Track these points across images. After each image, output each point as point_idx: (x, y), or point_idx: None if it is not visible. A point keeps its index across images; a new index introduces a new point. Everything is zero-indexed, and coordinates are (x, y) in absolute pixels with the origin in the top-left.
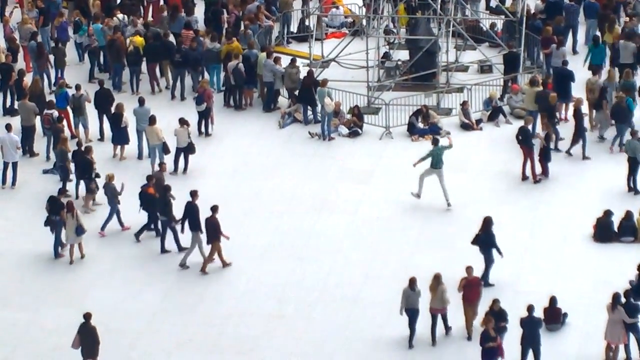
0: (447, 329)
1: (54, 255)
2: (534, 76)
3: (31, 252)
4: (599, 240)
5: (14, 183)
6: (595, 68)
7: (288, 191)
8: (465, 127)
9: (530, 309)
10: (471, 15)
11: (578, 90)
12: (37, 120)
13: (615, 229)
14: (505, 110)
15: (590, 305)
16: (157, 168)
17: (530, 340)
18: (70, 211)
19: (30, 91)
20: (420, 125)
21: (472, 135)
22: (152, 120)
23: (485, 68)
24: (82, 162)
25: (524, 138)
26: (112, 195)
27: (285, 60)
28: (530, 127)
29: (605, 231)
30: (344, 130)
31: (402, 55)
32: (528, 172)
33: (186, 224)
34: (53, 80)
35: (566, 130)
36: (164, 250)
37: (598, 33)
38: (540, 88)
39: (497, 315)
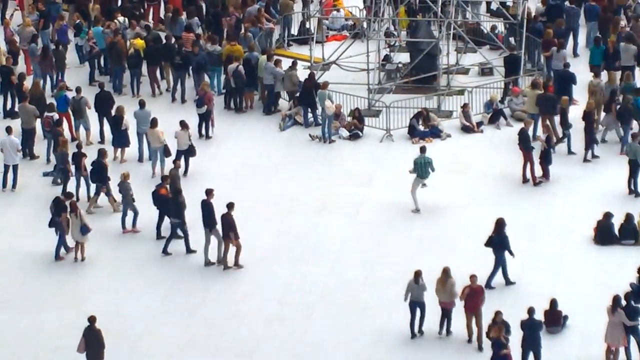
0: (449, 325)
1: (55, 256)
2: (536, 79)
3: (32, 254)
4: (600, 243)
5: (14, 186)
6: (596, 69)
7: (289, 193)
8: (466, 129)
9: (530, 311)
10: (472, 18)
11: (579, 92)
12: (38, 123)
13: (616, 231)
14: (506, 113)
15: (590, 307)
16: (156, 170)
17: (530, 343)
18: (74, 211)
19: (30, 94)
20: (421, 127)
21: (472, 138)
22: (153, 122)
23: (486, 70)
24: (97, 166)
25: (522, 140)
26: (127, 193)
27: (286, 63)
28: (530, 129)
29: (605, 234)
30: (344, 132)
31: (403, 57)
32: (529, 174)
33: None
34: (54, 83)
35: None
36: (165, 252)
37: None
38: (542, 91)
39: (497, 326)
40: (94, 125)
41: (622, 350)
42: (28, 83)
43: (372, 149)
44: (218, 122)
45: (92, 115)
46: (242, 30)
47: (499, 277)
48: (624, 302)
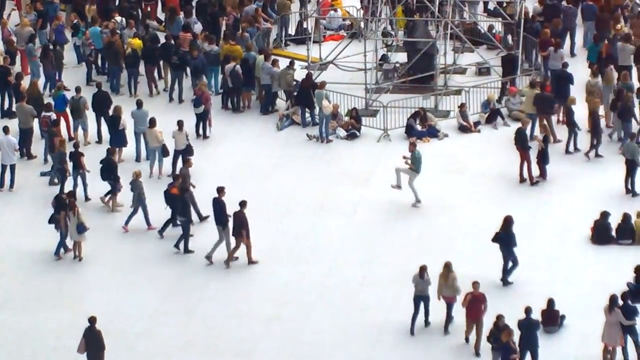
0: (449, 318)
1: (54, 253)
2: (534, 78)
3: (30, 254)
4: (597, 243)
5: (11, 186)
6: (594, 67)
7: (286, 193)
8: (463, 129)
9: (527, 311)
10: (469, 18)
11: (577, 92)
12: (35, 123)
13: (614, 231)
14: (503, 113)
15: (587, 307)
16: (154, 170)
17: (527, 343)
18: (72, 209)
19: (28, 94)
20: (419, 127)
21: (470, 138)
22: (152, 122)
23: (483, 70)
24: (107, 164)
25: (519, 140)
26: (139, 192)
27: (283, 63)
28: (528, 129)
29: (602, 233)
30: (341, 132)
31: (400, 57)
32: (526, 174)
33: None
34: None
35: (563, 132)
36: (187, 250)
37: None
38: (539, 90)
39: (502, 330)
40: (92, 125)
41: (619, 349)
42: (25, 83)
43: (370, 149)
44: (215, 122)
45: (89, 115)
46: (240, 30)
47: (495, 277)
48: (621, 302)
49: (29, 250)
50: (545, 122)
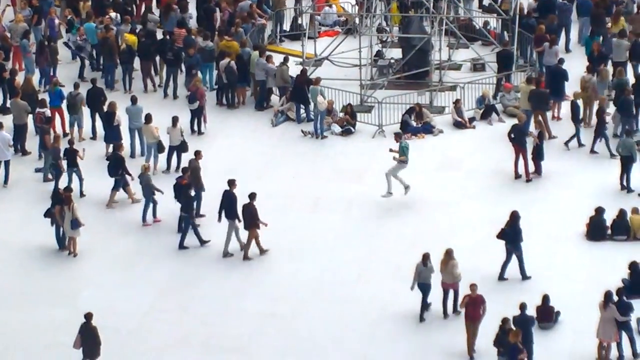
0: (456, 306)
1: (58, 246)
2: (531, 74)
3: (24, 250)
4: (592, 239)
5: (6, 181)
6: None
7: (281, 189)
8: (458, 125)
9: (522, 307)
10: (464, 14)
11: (571, 88)
12: (30, 119)
13: (608, 227)
14: (498, 109)
15: (582, 303)
16: (149, 166)
17: (523, 339)
18: (67, 204)
19: (22, 90)
20: (414, 123)
21: (465, 134)
22: (147, 118)
23: (478, 66)
24: (114, 159)
25: (516, 136)
26: (147, 185)
27: (277, 59)
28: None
29: (597, 230)
30: (336, 128)
31: (395, 53)
32: (521, 170)
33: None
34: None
35: (559, 128)
36: (182, 247)
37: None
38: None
39: (507, 333)
40: (86, 121)
41: (614, 345)
42: (20, 79)
43: (365, 145)
44: (210, 118)
45: (84, 111)
46: (234, 26)
47: (490, 273)
48: (615, 298)
49: (23, 247)
50: (540, 118)
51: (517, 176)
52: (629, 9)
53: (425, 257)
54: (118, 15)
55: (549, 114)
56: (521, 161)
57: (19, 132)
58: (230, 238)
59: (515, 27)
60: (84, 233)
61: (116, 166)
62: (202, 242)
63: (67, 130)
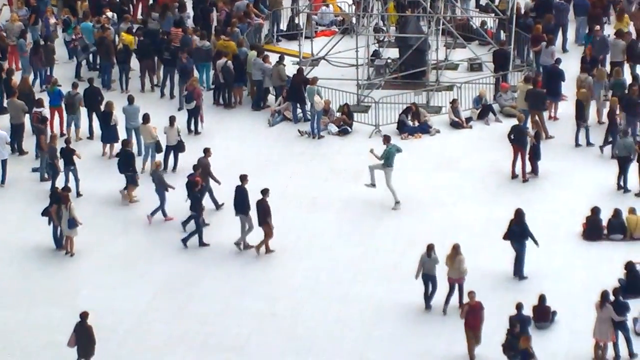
0: (461, 301)
1: (55, 246)
2: (529, 74)
3: (21, 250)
4: (588, 239)
5: (3, 181)
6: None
7: (277, 189)
8: (455, 125)
9: (519, 307)
10: (461, 14)
11: (568, 88)
12: (27, 119)
13: (605, 227)
14: (495, 109)
15: (579, 303)
16: (146, 166)
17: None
18: (64, 203)
19: (19, 89)
20: (410, 123)
21: (461, 134)
22: (145, 118)
23: (475, 66)
24: (124, 156)
25: (517, 136)
26: (160, 182)
27: (274, 59)
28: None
29: (594, 229)
30: (333, 128)
31: (392, 53)
32: (518, 170)
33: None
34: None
35: (555, 129)
36: (203, 244)
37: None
38: (531, 87)
39: (517, 338)
40: (83, 121)
41: (610, 345)
42: (16, 78)
43: (361, 145)
44: (207, 118)
45: (81, 111)
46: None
47: (487, 273)
48: (612, 298)
49: (20, 247)
50: (537, 118)
51: (514, 176)
52: (630, 9)
53: (430, 248)
54: (115, 14)
55: (545, 114)
56: (519, 161)
57: (16, 132)
58: (247, 232)
59: (512, 27)
60: (81, 232)
61: (126, 163)
62: (202, 244)
63: (65, 130)
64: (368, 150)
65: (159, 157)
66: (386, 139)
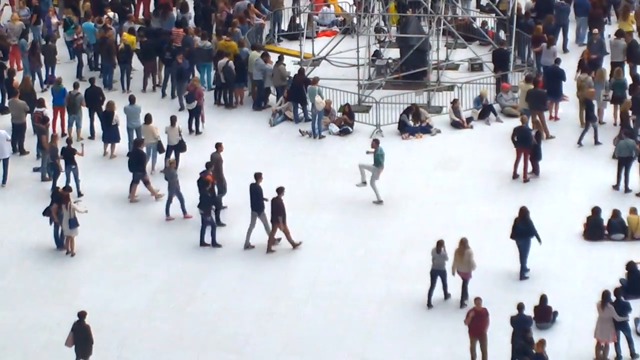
0: (464, 296)
1: (56, 245)
2: (530, 73)
3: (22, 250)
4: (589, 239)
5: (4, 181)
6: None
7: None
8: (456, 125)
9: (520, 307)
10: (462, 14)
11: (568, 88)
12: (28, 118)
13: (605, 227)
14: (496, 109)
15: (580, 303)
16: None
17: (520, 339)
18: (65, 203)
19: (20, 89)
20: (411, 123)
21: (462, 134)
22: (147, 118)
23: (475, 66)
24: (136, 155)
25: (521, 137)
26: (173, 180)
27: (274, 59)
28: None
29: (595, 229)
30: (334, 128)
31: (393, 53)
32: (520, 171)
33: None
34: (44, 78)
35: (556, 129)
36: (202, 243)
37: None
38: (532, 86)
39: (530, 343)
40: (84, 121)
41: (611, 345)
42: (18, 78)
43: (362, 145)
44: (208, 118)
45: (83, 111)
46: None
47: (487, 272)
48: (613, 298)
49: (21, 246)
50: (537, 118)
51: (515, 176)
52: (619, 10)
53: (440, 244)
54: (116, 14)
55: (546, 114)
56: (521, 162)
57: (18, 132)
58: (251, 230)
59: (513, 27)
60: (82, 232)
61: (138, 162)
62: (202, 244)
63: (67, 130)
64: (365, 151)
65: (160, 157)
66: (375, 143)
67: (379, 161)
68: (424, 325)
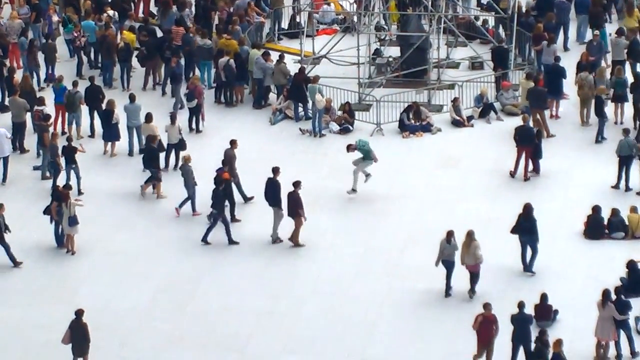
0: (472, 291)
1: (56, 244)
2: (531, 71)
3: (22, 248)
4: (590, 237)
5: (4, 179)
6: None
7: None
8: (456, 123)
9: (520, 305)
10: (462, 12)
11: (569, 86)
12: (28, 117)
13: (605, 226)
14: (496, 107)
15: (580, 302)
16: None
17: (520, 337)
18: (65, 201)
19: (20, 87)
20: (412, 121)
21: (463, 132)
22: (148, 117)
23: (476, 65)
24: (149, 152)
25: (522, 136)
26: (188, 176)
27: (275, 57)
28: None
29: (595, 228)
30: (334, 126)
31: (393, 51)
32: (520, 169)
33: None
34: (43, 77)
35: (556, 127)
36: (205, 241)
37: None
38: (533, 84)
39: (546, 345)
40: (84, 119)
41: (612, 344)
42: (18, 77)
43: None
44: (208, 116)
45: (82, 109)
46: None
47: (487, 271)
48: (614, 296)
49: (21, 244)
50: (538, 116)
51: (513, 174)
52: (619, 7)
53: (450, 234)
54: (116, 13)
55: (547, 113)
56: (522, 161)
57: (18, 130)
58: (277, 224)
59: (513, 26)
60: (82, 230)
61: (151, 158)
62: (205, 241)
63: (67, 128)
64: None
65: (161, 156)
66: (349, 147)
67: (367, 154)
68: (425, 324)
